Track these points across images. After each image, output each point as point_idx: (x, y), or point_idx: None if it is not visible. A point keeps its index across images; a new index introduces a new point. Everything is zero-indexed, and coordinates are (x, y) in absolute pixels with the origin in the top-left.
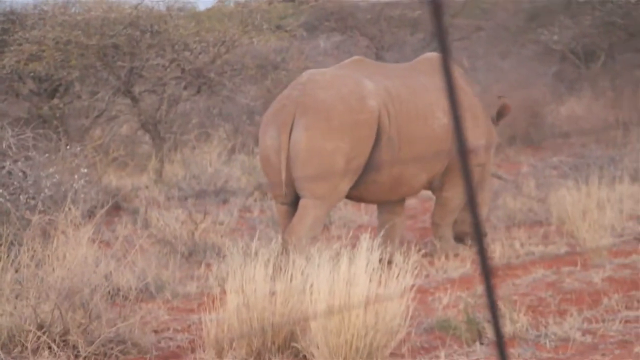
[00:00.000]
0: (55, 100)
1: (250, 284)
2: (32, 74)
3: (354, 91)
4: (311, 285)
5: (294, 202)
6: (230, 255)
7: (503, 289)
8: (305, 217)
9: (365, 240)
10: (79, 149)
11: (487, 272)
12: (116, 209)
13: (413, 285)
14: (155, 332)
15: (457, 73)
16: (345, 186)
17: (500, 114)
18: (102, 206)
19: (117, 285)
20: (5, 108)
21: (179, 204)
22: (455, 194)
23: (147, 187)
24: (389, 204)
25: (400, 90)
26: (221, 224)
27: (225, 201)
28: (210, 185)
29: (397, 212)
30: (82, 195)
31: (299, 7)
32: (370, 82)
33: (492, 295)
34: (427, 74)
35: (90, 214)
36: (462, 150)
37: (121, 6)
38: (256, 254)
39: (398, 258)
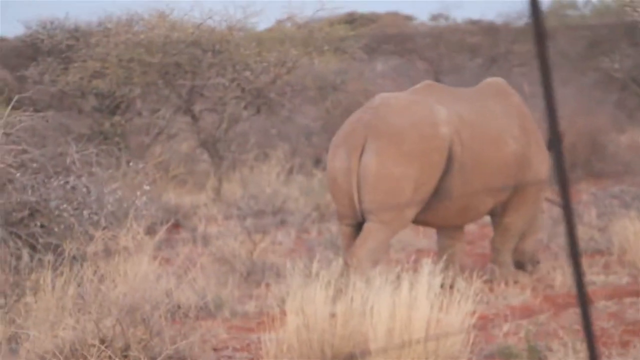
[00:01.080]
0: (117, 117)
1: (311, 305)
2: (94, 91)
3: (427, 117)
4: (371, 308)
5: (359, 225)
6: (290, 275)
7: (564, 318)
8: (368, 241)
9: (427, 264)
10: (141, 165)
11: (583, 298)
12: (175, 226)
13: (474, 312)
14: (215, 350)
15: (518, 99)
16: (411, 212)
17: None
18: (162, 223)
19: (177, 302)
20: (69, 124)
21: (237, 223)
22: (517, 219)
23: (205, 205)
24: (450, 229)
25: (472, 116)
26: (279, 244)
27: (283, 222)
28: (269, 206)
29: (457, 237)
30: (144, 212)
31: (359, 29)
32: (444, 108)
33: (588, 322)
34: (493, 99)
35: (150, 231)
36: (562, 177)
37: (184, 25)
38: (317, 275)
39: (460, 283)
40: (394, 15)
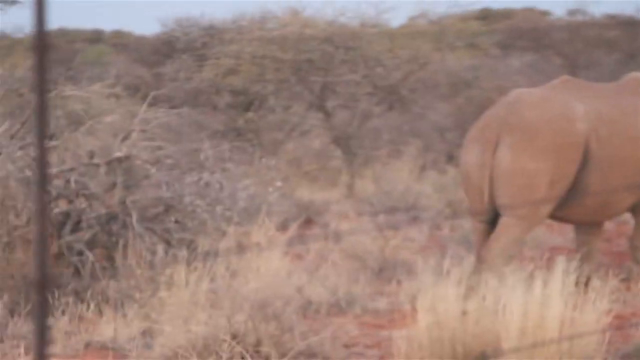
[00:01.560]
0: (250, 114)
1: (442, 303)
2: (228, 88)
3: (563, 113)
4: (504, 307)
5: (492, 221)
6: (421, 273)
7: None
8: (503, 236)
9: (561, 262)
10: (273, 162)
11: None
12: (308, 222)
13: (610, 311)
14: (346, 346)
15: None
16: (547, 208)
17: None
18: (294, 219)
19: (308, 298)
20: (203, 120)
21: (369, 220)
22: None
23: (338, 201)
24: (588, 226)
25: (612, 112)
26: (412, 241)
27: (415, 218)
28: (401, 202)
29: (595, 234)
30: (276, 208)
31: (493, 25)
32: (581, 104)
33: None
34: (635, 95)
35: (282, 227)
36: None
37: (316, 22)
38: (448, 272)
39: (595, 282)
40: (530, 11)
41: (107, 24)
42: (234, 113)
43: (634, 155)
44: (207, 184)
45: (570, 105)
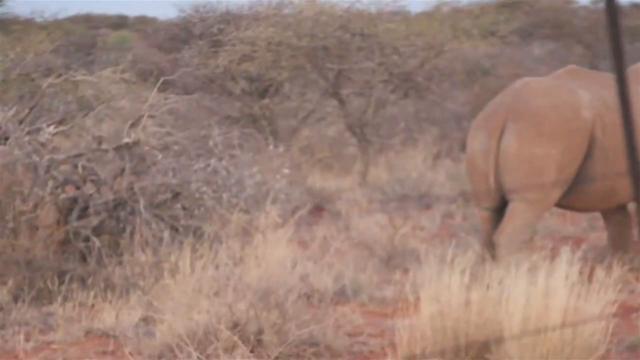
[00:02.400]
0: (266, 100)
1: (446, 292)
2: (244, 74)
3: (569, 101)
4: (507, 297)
5: (498, 209)
6: (426, 262)
7: None
8: (514, 220)
9: (565, 252)
10: (281, 149)
11: None
12: (319, 209)
13: (615, 301)
14: (350, 335)
15: None
16: (555, 194)
17: None
18: (305, 207)
19: (313, 287)
20: (214, 107)
21: (380, 208)
22: None
23: (352, 189)
24: (617, 215)
25: (617, 100)
26: (422, 229)
27: (428, 206)
28: (414, 190)
29: (626, 223)
30: (284, 196)
31: (513, 13)
32: (586, 92)
33: None
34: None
35: (292, 214)
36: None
37: (332, 8)
38: (452, 262)
39: (600, 273)
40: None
41: (133, 10)
42: (249, 99)
43: (638, 143)
44: (214, 171)
45: (575, 93)
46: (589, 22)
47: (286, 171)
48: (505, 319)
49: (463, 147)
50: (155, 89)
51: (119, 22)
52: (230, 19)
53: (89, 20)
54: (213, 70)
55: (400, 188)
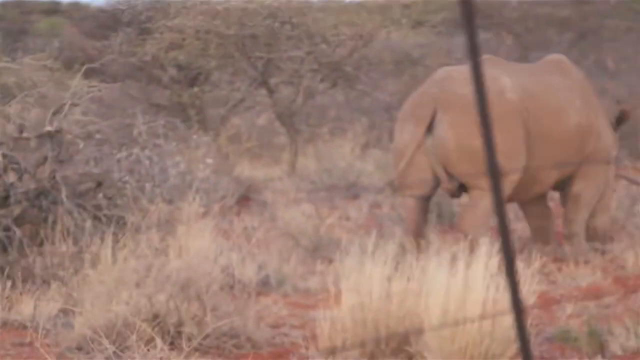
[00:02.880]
0: (195, 89)
1: (367, 283)
2: (173, 62)
3: (492, 86)
4: (428, 289)
5: (424, 197)
6: (348, 253)
7: (633, 301)
8: (475, 207)
9: (484, 244)
10: (205, 138)
11: (518, 304)
12: (246, 199)
13: (535, 292)
14: (272, 327)
15: (579, 74)
16: (510, 180)
17: (619, 121)
18: (233, 196)
19: (236, 277)
20: (140, 95)
21: (307, 198)
22: (586, 188)
23: (280, 178)
24: (536, 208)
25: (535, 88)
26: (349, 219)
27: (355, 196)
28: (342, 180)
29: (546, 215)
30: (209, 186)
31: (444, 3)
32: (508, 78)
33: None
34: (554, 74)
35: (218, 204)
36: (493, 168)
37: None
38: (373, 253)
39: (518, 264)
40: None
41: None
42: (177, 88)
43: (557, 130)
44: (137, 160)
45: (497, 79)
46: (519, 13)
47: (209, 161)
48: (424, 311)
49: (392, 137)
50: (79, 77)
51: (52, 9)
52: (158, 6)
53: (20, 6)
54: (141, 58)
55: (328, 177)
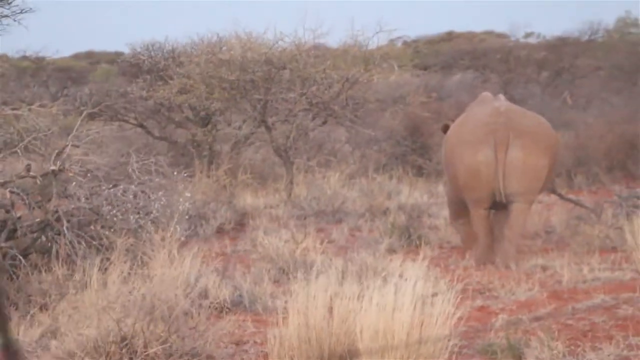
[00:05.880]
0: (209, 127)
1: (312, 303)
2: (186, 104)
3: (545, 119)
4: (361, 309)
5: (490, 208)
6: (293, 277)
7: (561, 313)
8: (522, 219)
9: (412, 268)
10: (184, 174)
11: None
12: (242, 226)
13: (454, 314)
14: (236, 344)
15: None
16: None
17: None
18: (229, 223)
19: (213, 298)
20: (132, 136)
21: (297, 223)
22: None
23: (277, 206)
24: (502, 218)
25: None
26: (331, 242)
27: (339, 221)
28: (329, 206)
29: (501, 222)
30: (186, 217)
31: (433, 47)
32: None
33: None
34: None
35: (219, 230)
36: None
37: (258, 46)
38: (318, 275)
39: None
40: (487, 34)
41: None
42: (191, 126)
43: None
44: (124, 194)
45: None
46: (502, 54)
47: (188, 194)
48: (359, 332)
49: (376, 167)
50: (80, 121)
51: (114, 58)
52: (174, 56)
53: (90, 57)
54: (157, 101)
55: (317, 204)
